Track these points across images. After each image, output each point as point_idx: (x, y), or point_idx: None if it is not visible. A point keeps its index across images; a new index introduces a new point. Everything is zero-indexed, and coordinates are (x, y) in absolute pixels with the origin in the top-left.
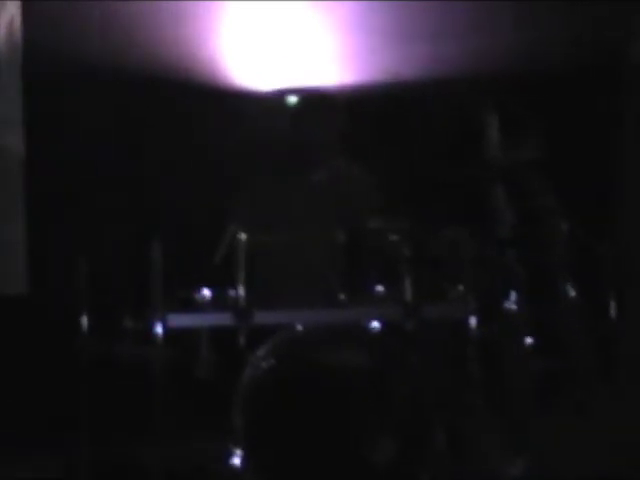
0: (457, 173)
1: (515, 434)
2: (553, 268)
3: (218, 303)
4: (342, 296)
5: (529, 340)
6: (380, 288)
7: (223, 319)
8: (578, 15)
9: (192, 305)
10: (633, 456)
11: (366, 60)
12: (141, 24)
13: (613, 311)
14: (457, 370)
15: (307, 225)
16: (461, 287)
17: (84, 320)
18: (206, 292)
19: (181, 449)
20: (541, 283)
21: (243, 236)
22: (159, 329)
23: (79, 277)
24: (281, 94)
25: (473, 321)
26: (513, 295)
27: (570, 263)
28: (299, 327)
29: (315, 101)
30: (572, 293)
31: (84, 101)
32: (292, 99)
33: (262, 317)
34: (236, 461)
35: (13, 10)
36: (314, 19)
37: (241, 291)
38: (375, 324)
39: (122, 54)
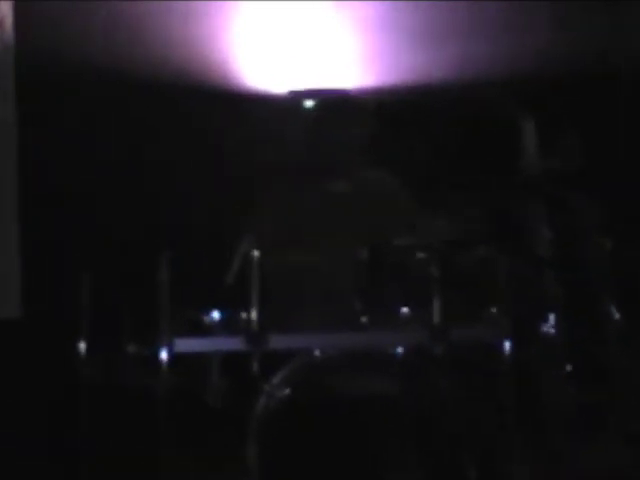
0: (490, 184)
1: (552, 465)
2: (595, 288)
3: (229, 326)
4: (364, 319)
5: (568, 366)
6: (406, 310)
7: (235, 344)
8: (614, 15)
9: (201, 329)
10: None
11: (391, 62)
12: (149, 24)
13: None
14: (489, 398)
15: (327, 241)
16: (494, 309)
17: (84, 346)
18: (216, 314)
19: None
20: (582, 305)
21: (256, 253)
22: (165, 355)
23: (78, 298)
24: (299, 97)
25: (507, 345)
26: (551, 318)
27: (614, 283)
28: (317, 352)
29: (337, 105)
30: (616, 315)
31: (87, 104)
32: (311, 103)
33: (277, 341)
34: None
35: (4, 10)
36: (335, 18)
37: (254, 313)
38: (400, 349)
39: (128, 56)
